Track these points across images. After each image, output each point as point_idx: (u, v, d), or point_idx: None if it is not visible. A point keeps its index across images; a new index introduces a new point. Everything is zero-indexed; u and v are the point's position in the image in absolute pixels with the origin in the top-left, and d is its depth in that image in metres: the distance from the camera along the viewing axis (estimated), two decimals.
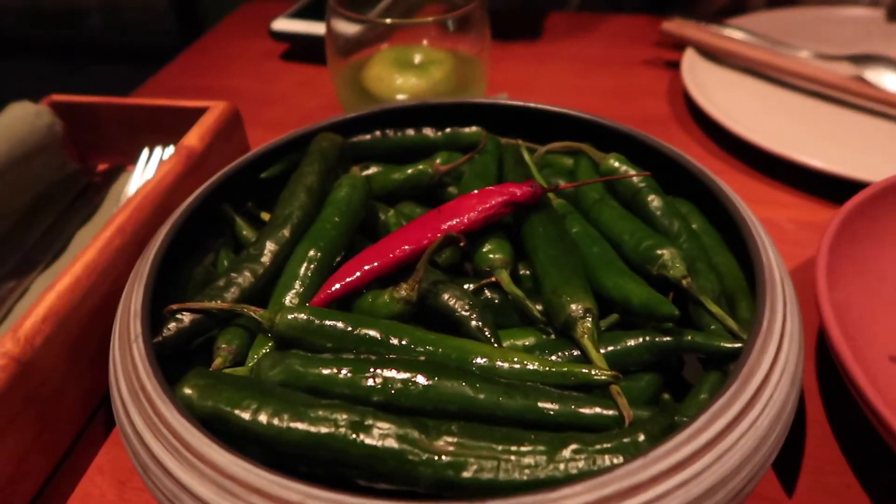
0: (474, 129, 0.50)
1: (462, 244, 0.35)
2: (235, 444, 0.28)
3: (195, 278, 0.41)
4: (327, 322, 0.34)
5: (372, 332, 0.33)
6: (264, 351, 0.35)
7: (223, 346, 0.35)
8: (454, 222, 0.38)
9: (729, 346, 0.32)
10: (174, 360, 0.34)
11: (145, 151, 0.54)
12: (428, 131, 0.50)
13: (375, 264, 0.37)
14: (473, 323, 0.35)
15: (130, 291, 0.36)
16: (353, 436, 0.28)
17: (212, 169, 0.48)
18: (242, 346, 0.36)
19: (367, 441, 0.28)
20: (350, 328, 0.34)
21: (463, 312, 0.36)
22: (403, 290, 0.36)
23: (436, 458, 0.28)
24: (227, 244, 0.44)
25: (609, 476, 0.26)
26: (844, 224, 0.39)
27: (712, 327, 0.34)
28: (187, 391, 0.31)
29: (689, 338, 0.33)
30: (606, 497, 0.25)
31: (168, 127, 0.53)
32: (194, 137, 0.48)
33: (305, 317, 0.34)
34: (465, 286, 0.38)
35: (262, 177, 0.46)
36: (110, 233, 0.39)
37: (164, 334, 0.35)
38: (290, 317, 0.34)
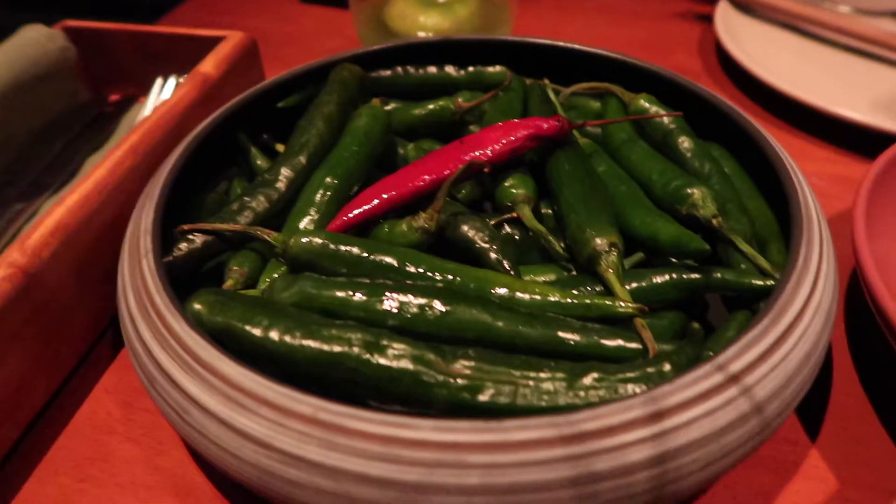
0: (498, 68, 0.48)
1: (487, 170, 0.34)
2: (246, 361, 0.27)
3: (208, 205, 0.40)
4: (342, 247, 0.33)
5: (388, 259, 0.32)
6: (277, 275, 0.34)
7: (234, 267, 0.34)
8: (477, 154, 0.37)
9: (761, 283, 0.31)
10: (184, 283, 0.33)
11: (159, 81, 0.52)
12: (450, 69, 0.49)
13: (394, 193, 0.36)
14: (493, 255, 0.34)
15: (141, 209, 0.35)
16: (367, 355, 0.27)
17: (227, 99, 0.47)
18: (254, 269, 0.35)
19: (382, 361, 0.27)
20: (366, 254, 0.32)
21: (482, 244, 0.34)
22: (422, 220, 0.34)
23: (451, 380, 0.27)
24: (241, 174, 0.43)
25: (633, 401, 0.25)
26: (884, 171, 0.37)
27: (742, 267, 0.33)
28: (197, 306, 0.30)
29: (719, 275, 0.32)
30: (629, 422, 0.24)
31: (184, 57, 0.52)
32: (210, 65, 0.46)
33: (321, 241, 0.33)
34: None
35: (278, 106, 0.45)
36: (122, 152, 0.38)
37: (174, 254, 0.34)
38: (304, 240, 0.33)
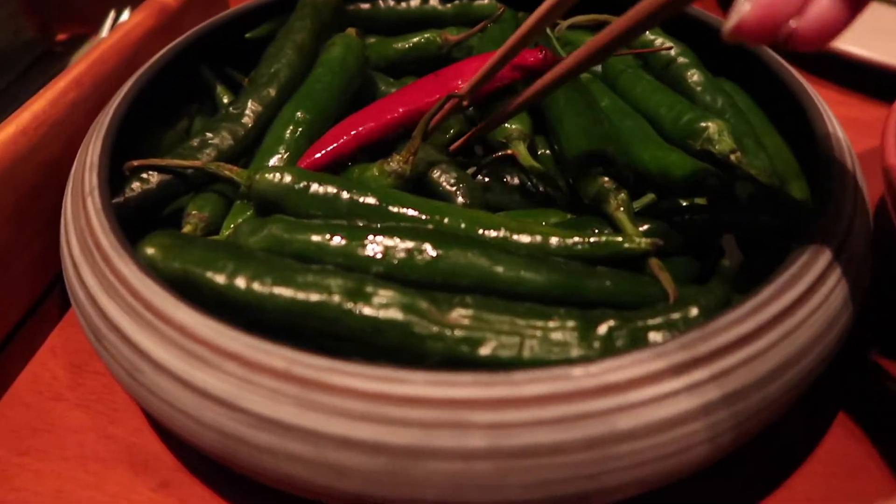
0: (488, 0, 0.44)
1: (465, 104, 0.30)
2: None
3: (166, 143, 0.35)
4: (315, 184, 0.29)
5: (368, 198, 0.28)
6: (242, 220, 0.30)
7: (194, 212, 0.30)
8: (459, 83, 0.33)
9: (787, 219, 0.28)
10: (139, 232, 0.29)
11: (111, 15, 0.47)
12: (435, 2, 0.44)
13: (366, 126, 0.32)
14: (461, 198, 0.31)
15: (88, 143, 0.31)
16: (350, 304, 0.24)
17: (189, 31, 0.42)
18: (217, 213, 0.31)
19: (366, 311, 0.24)
20: (343, 192, 0.29)
21: (447, 187, 0.31)
22: (395, 163, 0.30)
23: (448, 331, 0.23)
24: (204, 112, 0.39)
25: (659, 349, 0.21)
26: None
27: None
28: (150, 251, 0.26)
29: (739, 212, 0.28)
30: (655, 374, 0.21)
31: None
32: None
33: (290, 177, 0.29)
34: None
35: (247, 37, 0.40)
36: (64, 83, 0.34)
37: (126, 194, 0.30)
38: (271, 176, 0.29)
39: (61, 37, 0.51)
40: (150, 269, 0.25)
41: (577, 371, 0.21)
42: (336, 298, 0.24)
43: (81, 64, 0.35)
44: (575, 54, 0.26)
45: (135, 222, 0.30)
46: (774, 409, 0.23)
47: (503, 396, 0.20)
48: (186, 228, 0.30)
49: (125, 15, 0.48)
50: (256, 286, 0.24)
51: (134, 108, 0.33)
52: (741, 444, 0.23)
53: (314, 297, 0.24)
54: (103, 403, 0.30)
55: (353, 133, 0.32)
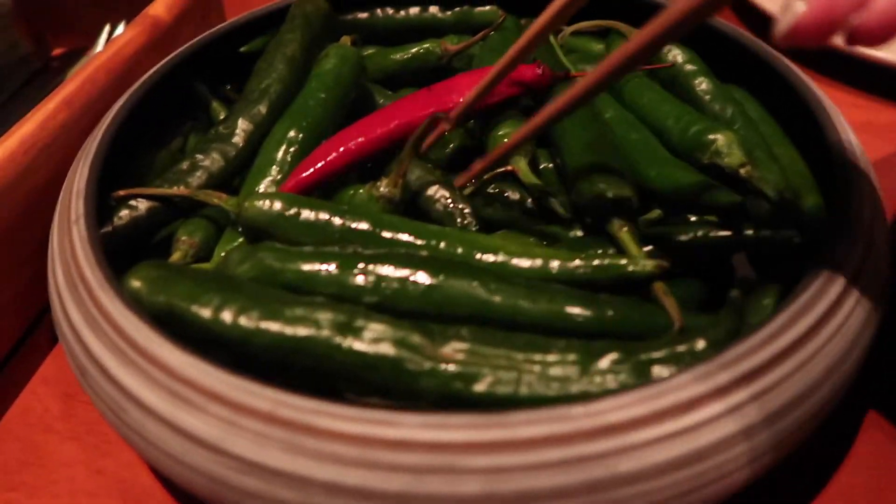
0: (489, 7, 0.43)
1: (448, 128, 0.29)
2: (198, 350, 0.22)
3: (159, 163, 0.35)
4: (306, 210, 0.28)
5: (361, 224, 0.27)
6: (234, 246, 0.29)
7: (183, 238, 0.30)
8: (453, 99, 0.32)
9: (801, 238, 0.27)
10: (129, 259, 0.28)
11: (107, 29, 0.47)
12: (435, 10, 0.43)
13: (353, 143, 0.31)
14: (458, 220, 0.30)
15: (75, 169, 0.30)
16: (339, 339, 0.23)
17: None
18: (207, 239, 0.30)
19: (357, 346, 0.23)
20: (334, 218, 0.28)
21: (442, 209, 0.30)
22: (384, 186, 0.29)
23: (442, 367, 0.22)
24: (199, 128, 0.38)
25: (664, 385, 0.20)
26: None
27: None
28: (135, 283, 0.25)
29: (752, 232, 0.27)
30: (661, 412, 0.20)
31: (138, 3, 0.46)
32: (161, 6, 0.41)
33: (280, 203, 0.28)
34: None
35: (241, 51, 0.39)
36: (54, 105, 0.33)
37: (114, 223, 0.30)
38: (261, 203, 0.28)
39: (58, 51, 0.50)
40: (136, 302, 0.24)
41: (576, 410, 0.20)
42: (325, 333, 0.23)
43: (72, 84, 0.34)
44: (586, 79, 0.24)
45: (125, 250, 0.29)
46: (790, 442, 0.22)
47: (498, 439, 0.19)
48: (176, 255, 0.29)
49: (121, 28, 0.47)
50: (243, 321, 0.23)
51: (125, 130, 0.32)
52: (757, 478, 0.22)
53: (302, 331, 0.23)
54: (95, 435, 0.29)
55: (341, 149, 0.31)
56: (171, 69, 0.35)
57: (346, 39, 0.36)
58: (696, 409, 0.20)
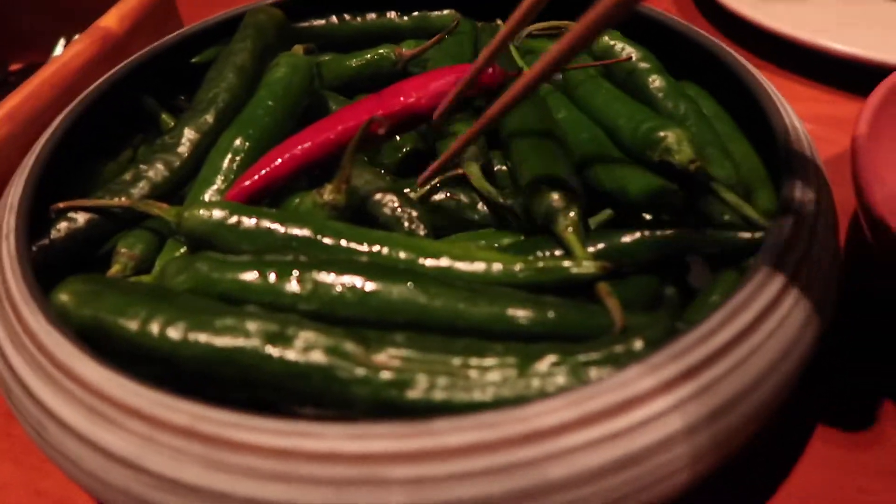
0: (447, 11, 0.43)
1: (382, 131, 0.28)
2: (124, 365, 0.22)
3: (107, 175, 0.34)
4: (246, 218, 0.27)
5: (302, 231, 0.27)
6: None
7: (123, 250, 0.29)
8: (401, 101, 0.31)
9: (749, 236, 0.26)
10: (71, 273, 0.27)
11: (62, 42, 0.46)
12: (392, 15, 0.43)
13: (299, 149, 0.30)
14: (406, 224, 0.29)
15: (11, 184, 0.29)
16: (269, 349, 0.22)
17: None
18: (148, 251, 0.29)
19: (287, 355, 0.22)
20: (275, 225, 0.27)
21: (390, 214, 0.29)
22: (328, 193, 0.29)
23: (375, 374, 0.22)
24: (149, 140, 0.37)
25: (596, 388, 0.19)
26: (884, 102, 0.32)
27: (726, 219, 0.28)
28: (63, 297, 0.24)
29: (700, 231, 0.27)
30: (592, 415, 0.19)
31: (97, 16, 0.45)
32: (113, 18, 0.40)
33: (220, 212, 0.27)
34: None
35: (193, 62, 0.39)
36: None
37: (52, 236, 0.29)
38: (200, 212, 0.27)
39: (15, 66, 0.50)
40: (64, 318, 0.23)
41: (501, 416, 0.19)
42: (255, 342, 0.22)
43: (15, 98, 0.34)
44: (532, 69, 0.24)
45: (66, 265, 0.29)
46: (731, 442, 0.21)
47: (423, 449, 0.19)
48: (115, 268, 0.28)
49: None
50: (170, 333, 0.23)
51: (67, 143, 0.31)
52: (699, 481, 0.21)
53: (231, 342, 0.22)
54: (34, 454, 0.28)
55: (287, 156, 0.30)
56: (117, 80, 0.35)
57: (298, 48, 0.36)
58: (630, 410, 0.19)
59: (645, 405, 0.19)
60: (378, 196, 0.30)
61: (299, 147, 0.30)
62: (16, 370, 0.23)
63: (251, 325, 0.22)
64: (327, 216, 0.29)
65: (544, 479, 0.19)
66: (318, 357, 0.22)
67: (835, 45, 0.45)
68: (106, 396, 0.21)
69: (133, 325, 0.23)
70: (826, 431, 0.27)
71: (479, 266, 0.26)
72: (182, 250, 0.29)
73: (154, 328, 0.23)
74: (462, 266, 0.26)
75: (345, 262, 0.25)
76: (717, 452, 0.20)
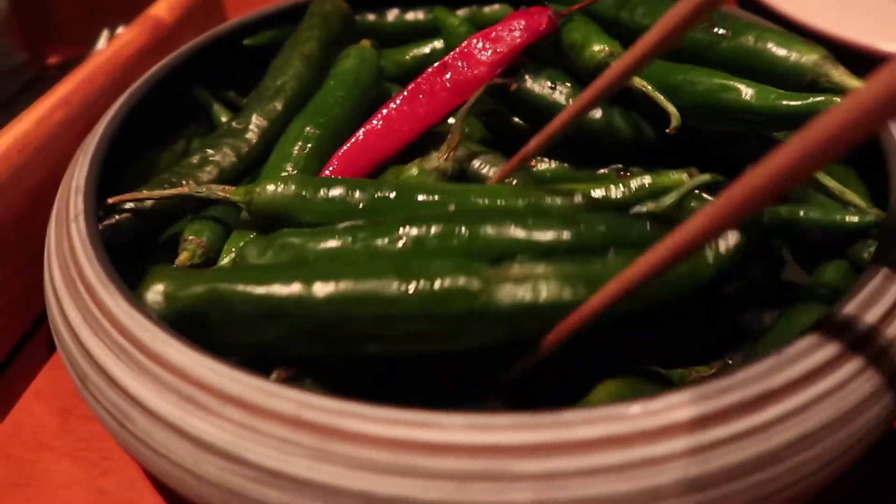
0: (498, 6, 0.42)
1: (514, 87, 0.28)
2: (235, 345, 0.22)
3: (162, 165, 0.33)
4: (324, 188, 0.26)
5: (386, 194, 0.26)
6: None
7: (190, 237, 0.28)
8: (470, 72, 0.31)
9: (857, 220, 0.25)
10: (132, 260, 0.26)
11: (105, 34, 0.45)
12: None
13: (377, 151, 0.30)
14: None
15: (74, 165, 0.28)
16: (407, 278, 0.21)
17: None
18: (216, 239, 0.28)
19: (423, 284, 0.21)
20: (354, 191, 0.26)
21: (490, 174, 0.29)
22: (435, 160, 0.28)
23: (509, 285, 0.22)
24: (202, 132, 0.36)
25: (723, 382, 0.18)
26: None
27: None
28: (159, 286, 0.22)
29: (803, 213, 0.26)
30: (726, 409, 0.18)
31: (136, 7, 0.44)
32: (162, 7, 0.39)
33: (295, 185, 0.26)
34: None
35: (245, 44, 0.37)
36: (50, 104, 0.31)
37: (116, 218, 0.27)
38: (273, 187, 0.26)
39: (53, 60, 0.49)
40: (167, 305, 0.21)
41: (635, 409, 0.18)
42: (391, 276, 0.21)
43: (69, 83, 0.33)
44: (630, 52, 0.23)
45: (127, 250, 0.27)
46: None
47: (552, 441, 0.17)
48: (183, 255, 0.27)
49: (119, 31, 0.46)
50: (298, 287, 0.21)
51: (125, 128, 0.30)
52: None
53: (370, 283, 0.21)
54: (94, 452, 0.27)
55: (368, 158, 0.30)
56: (171, 70, 0.34)
57: (365, 42, 0.35)
58: (760, 409, 0.18)
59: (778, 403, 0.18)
60: (478, 159, 0.29)
61: (379, 146, 0.30)
62: (94, 356, 0.21)
63: (379, 266, 0.22)
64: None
65: (684, 475, 0.17)
66: (451, 277, 0.21)
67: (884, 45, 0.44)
68: (201, 383, 0.19)
69: (262, 288, 0.21)
70: None
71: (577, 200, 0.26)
72: (251, 237, 0.27)
73: (280, 288, 0.21)
74: (555, 201, 0.26)
75: (441, 214, 0.25)
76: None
